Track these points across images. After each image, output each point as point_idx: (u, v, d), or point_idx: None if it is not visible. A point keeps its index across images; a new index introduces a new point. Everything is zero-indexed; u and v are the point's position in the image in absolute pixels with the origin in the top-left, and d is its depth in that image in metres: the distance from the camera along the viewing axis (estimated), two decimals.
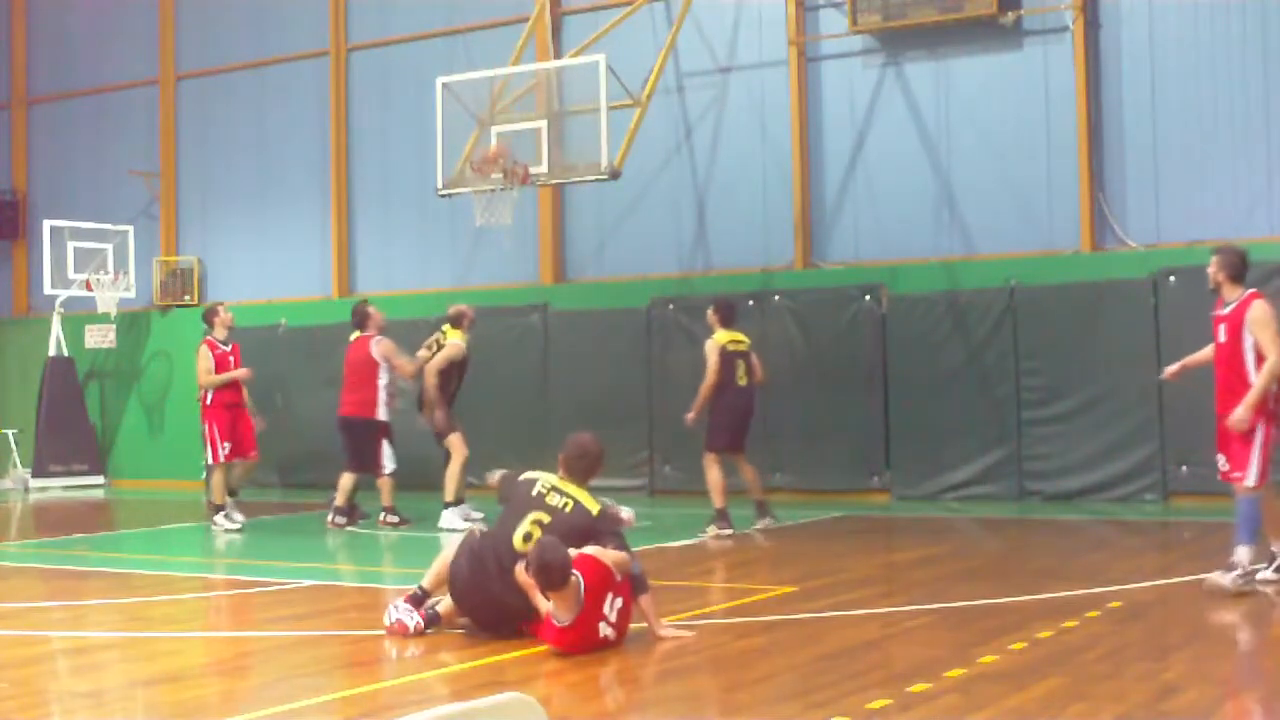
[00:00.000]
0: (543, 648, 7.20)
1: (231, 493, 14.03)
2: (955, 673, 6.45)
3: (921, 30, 15.92)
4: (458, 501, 13.67)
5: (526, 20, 17.01)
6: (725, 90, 17.28)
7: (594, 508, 7.57)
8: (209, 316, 14.17)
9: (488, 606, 7.47)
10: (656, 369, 16.92)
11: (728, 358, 12.66)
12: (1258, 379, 8.49)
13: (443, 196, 15.64)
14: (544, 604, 7.23)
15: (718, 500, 12.61)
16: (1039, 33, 15.65)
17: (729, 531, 12.48)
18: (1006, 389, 15.17)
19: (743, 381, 12.74)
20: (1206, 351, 9.08)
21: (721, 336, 12.76)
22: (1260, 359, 8.53)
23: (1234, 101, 14.78)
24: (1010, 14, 15.42)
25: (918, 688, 6.13)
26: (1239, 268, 8.84)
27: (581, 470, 7.74)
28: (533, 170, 14.53)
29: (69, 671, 7.36)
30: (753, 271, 16.76)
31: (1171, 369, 9.35)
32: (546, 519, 7.46)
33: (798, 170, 16.71)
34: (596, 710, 6.33)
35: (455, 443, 13.84)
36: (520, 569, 7.35)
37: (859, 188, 16.54)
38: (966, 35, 15.84)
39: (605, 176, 14.42)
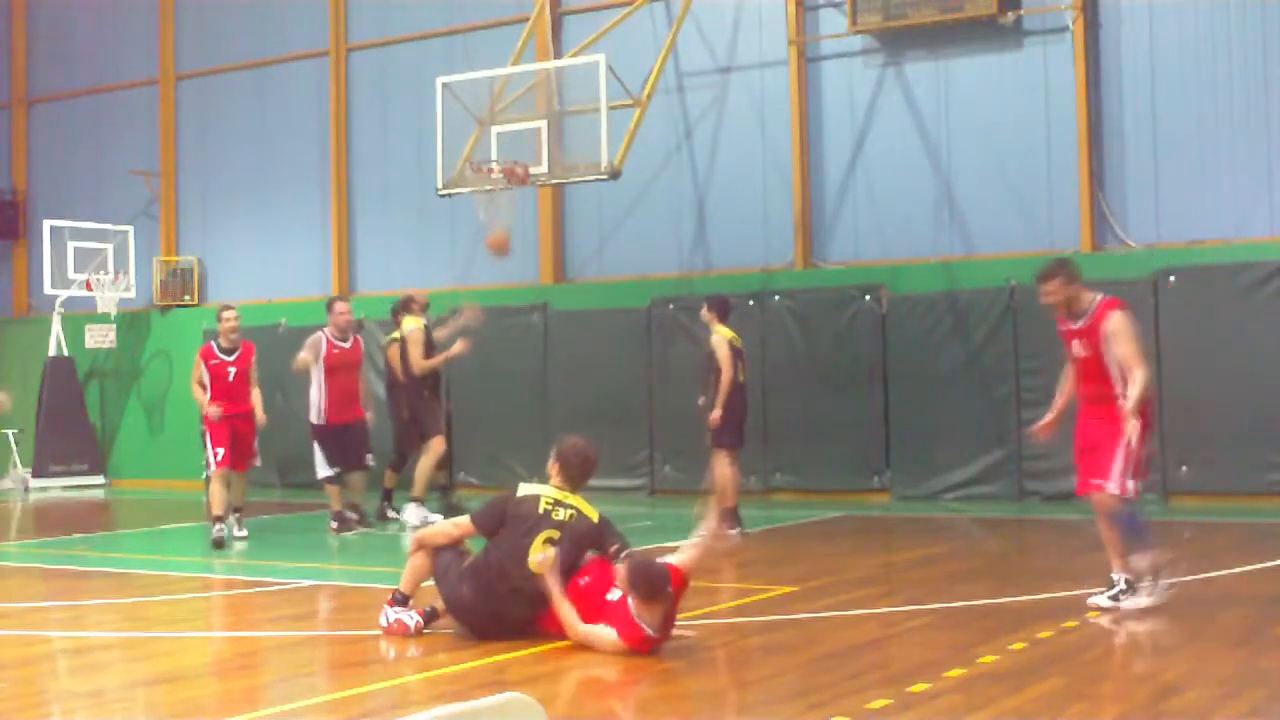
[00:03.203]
0: (542, 647, 7.21)
1: (236, 509, 12.97)
2: (955, 673, 6.45)
3: (921, 30, 15.92)
4: (422, 500, 13.83)
5: (526, 20, 17.02)
6: (725, 90, 17.28)
7: (593, 515, 7.60)
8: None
9: (496, 624, 7.45)
10: (656, 369, 16.92)
11: (735, 353, 12.68)
12: (1132, 394, 7.86)
13: (443, 196, 15.66)
14: (569, 612, 7.24)
15: (729, 499, 12.63)
16: (1039, 33, 15.66)
17: (734, 531, 12.50)
18: (1006, 389, 15.17)
19: (741, 378, 12.75)
20: (1069, 379, 8.43)
21: (725, 332, 12.76)
22: (1125, 371, 7.96)
23: (1234, 102, 14.79)
24: (1010, 14, 15.42)
25: (918, 688, 6.13)
26: (1078, 273, 8.26)
27: (581, 477, 7.73)
28: (533, 170, 14.54)
29: (69, 671, 7.36)
30: (753, 271, 16.77)
31: (1045, 423, 8.43)
32: (557, 535, 7.44)
33: (798, 170, 16.72)
34: (597, 710, 6.33)
35: (436, 445, 13.89)
36: (553, 582, 7.33)
37: (859, 188, 16.55)
38: (966, 35, 15.85)
39: (605, 176, 14.44)
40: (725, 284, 16.26)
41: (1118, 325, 8.07)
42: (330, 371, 13.39)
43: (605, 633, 7.13)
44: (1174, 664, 6.63)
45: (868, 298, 15.90)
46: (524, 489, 7.66)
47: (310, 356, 13.41)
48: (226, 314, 13.05)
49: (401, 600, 7.73)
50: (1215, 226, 14.80)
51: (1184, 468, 14.38)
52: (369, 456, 13.63)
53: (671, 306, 16.94)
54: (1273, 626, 7.67)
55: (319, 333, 13.53)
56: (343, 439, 13.44)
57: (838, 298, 16.09)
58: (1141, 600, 7.92)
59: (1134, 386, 7.90)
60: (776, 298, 16.38)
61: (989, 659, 6.80)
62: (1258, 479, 14.12)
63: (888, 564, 11.34)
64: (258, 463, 13.29)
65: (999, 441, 15.21)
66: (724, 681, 6.77)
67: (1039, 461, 15.06)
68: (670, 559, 7.24)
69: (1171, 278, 14.60)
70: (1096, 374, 8.12)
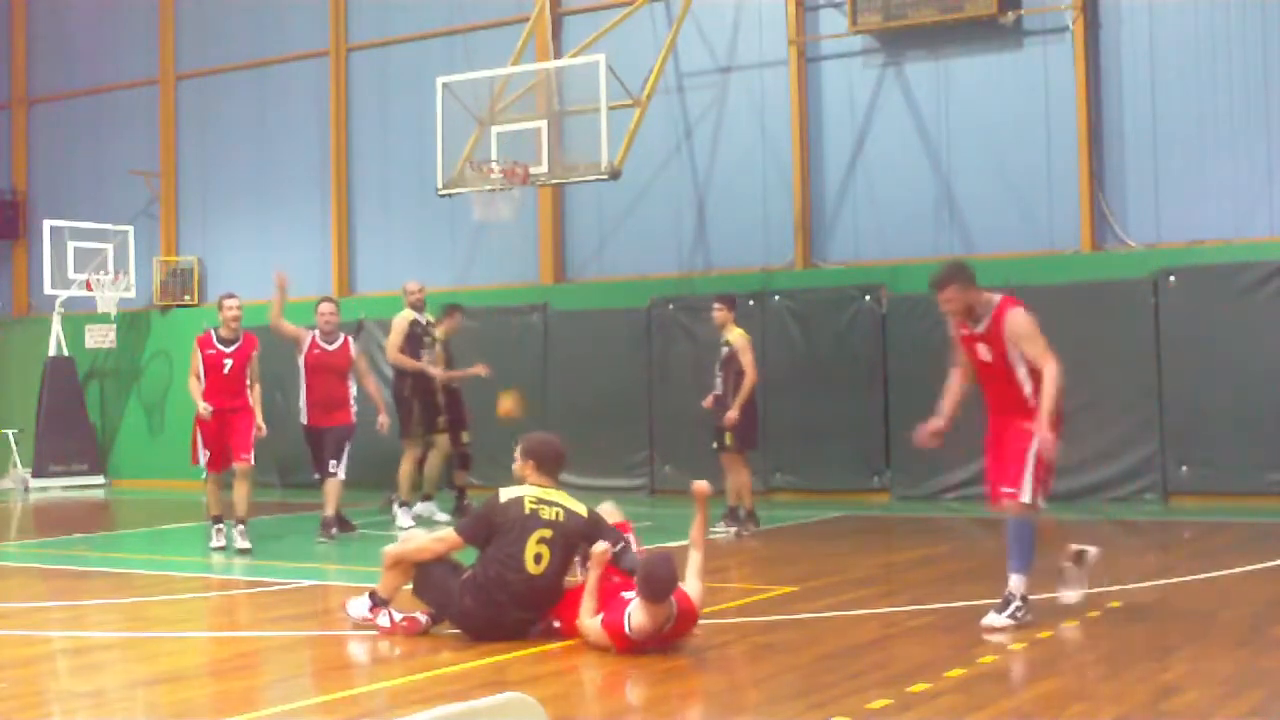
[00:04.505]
0: (542, 647, 7.22)
1: (239, 521, 12.05)
2: (955, 673, 6.45)
3: (921, 30, 15.92)
4: (405, 502, 13.80)
5: (526, 20, 17.03)
6: (725, 90, 17.29)
7: (581, 510, 7.58)
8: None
9: (498, 630, 7.43)
10: (656, 369, 16.92)
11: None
12: (1045, 396, 7.48)
13: (443, 196, 15.66)
14: (588, 605, 7.22)
15: (748, 500, 12.69)
16: (1039, 33, 15.66)
17: (755, 527, 12.60)
18: None
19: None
20: (955, 384, 8.08)
21: (744, 333, 12.75)
22: (1033, 370, 7.58)
23: (1234, 102, 14.79)
24: (1010, 14, 15.43)
25: (918, 688, 6.13)
26: (974, 276, 7.87)
27: (557, 468, 7.72)
28: (533, 170, 14.55)
29: (69, 671, 7.36)
30: (753, 271, 16.77)
31: (933, 429, 8.04)
32: (549, 534, 7.41)
33: (798, 170, 16.72)
34: (596, 710, 6.33)
35: (408, 446, 13.88)
36: (595, 575, 7.29)
37: (859, 188, 16.55)
38: (966, 35, 15.85)
39: (605, 176, 14.45)
40: (725, 284, 16.26)
41: (1021, 324, 7.65)
42: (310, 371, 12.97)
43: (594, 621, 7.16)
44: (1174, 664, 6.62)
45: (868, 298, 15.90)
46: (505, 494, 7.57)
47: (294, 335, 12.99)
48: (229, 302, 12.34)
49: (382, 603, 7.74)
50: (1215, 226, 14.80)
51: (1184, 468, 14.37)
52: (333, 464, 12.70)
53: (671, 306, 16.94)
54: (1273, 626, 7.67)
55: (312, 331, 13.14)
56: (319, 443, 12.87)
57: (838, 298, 16.08)
58: (1003, 620, 7.45)
59: (1046, 388, 7.49)
60: (776, 298, 16.38)
61: (989, 659, 6.80)
62: (1258, 479, 14.12)
63: (888, 564, 11.33)
64: (250, 460, 12.08)
65: None
66: (724, 681, 6.76)
67: None
68: (683, 586, 7.20)
69: (1171, 278, 14.59)
70: (1003, 377, 7.73)
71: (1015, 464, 7.63)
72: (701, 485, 7.65)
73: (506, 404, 14.04)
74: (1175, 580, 9.35)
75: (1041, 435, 7.49)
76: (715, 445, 12.79)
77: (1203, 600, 8.55)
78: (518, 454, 7.74)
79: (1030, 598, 7.61)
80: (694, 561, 7.46)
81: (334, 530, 12.73)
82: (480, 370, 14.25)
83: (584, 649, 7.19)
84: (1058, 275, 15.17)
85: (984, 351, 7.82)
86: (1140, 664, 6.62)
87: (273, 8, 20.72)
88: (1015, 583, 7.56)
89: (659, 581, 6.95)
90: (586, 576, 7.39)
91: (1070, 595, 7.99)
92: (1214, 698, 5.91)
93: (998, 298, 7.83)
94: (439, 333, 14.30)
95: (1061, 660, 6.73)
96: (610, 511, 8.01)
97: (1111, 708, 5.79)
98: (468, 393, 14.71)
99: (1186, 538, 12.35)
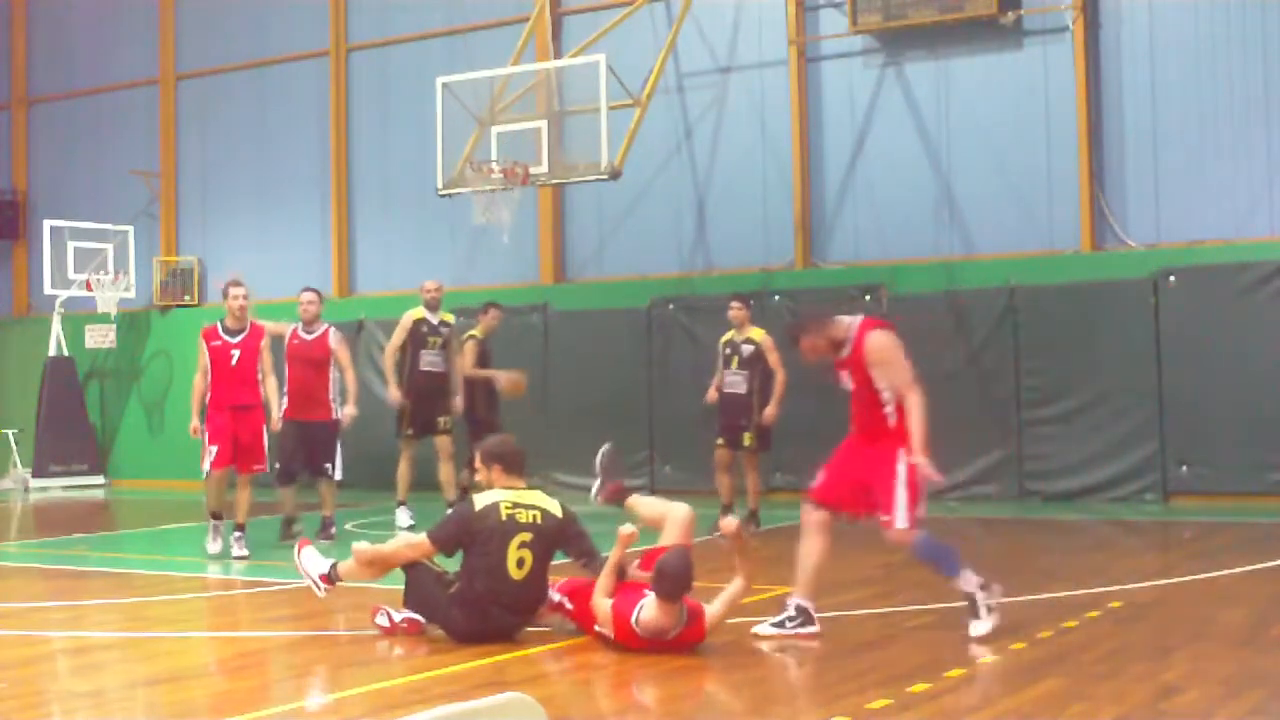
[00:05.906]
0: (542, 648, 7.21)
1: (238, 527, 11.50)
2: (955, 673, 6.45)
3: (921, 30, 15.92)
4: (403, 502, 13.78)
5: (526, 20, 17.03)
6: (725, 90, 17.29)
7: (557, 510, 7.51)
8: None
9: (491, 636, 7.39)
10: (656, 369, 16.92)
11: None
12: (913, 424, 7.46)
13: (443, 196, 15.66)
14: (604, 584, 7.19)
15: (754, 501, 12.72)
16: (1039, 33, 15.66)
17: (756, 529, 12.63)
18: (1006, 389, 15.17)
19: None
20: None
21: (764, 330, 12.74)
22: (897, 395, 7.52)
23: (1234, 102, 14.79)
24: (1010, 14, 15.43)
25: (918, 688, 6.13)
26: (823, 315, 7.83)
27: (522, 466, 7.61)
28: (533, 170, 14.55)
29: (69, 671, 7.35)
30: (753, 271, 16.77)
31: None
32: (529, 538, 7.34)
33: (798, 170, 16.72)
34: (596, 710, 6.33)
35: (402, 446, 13.84)
36: (616, 554, 7.25)
37: (859, 188, 16.55)
38: (966, 35, 15.85)
39: (605, 176, 14.45)
40: (725, 284, 16.25)
41: (879, 350, 7.51)
42: (289, 361, 12.51)
43: (606, 603, 7.13)
44: (1174, 664, 6.62)
45: (868, 298, 15.89)
46: (479, 501, 7.45)
47: (275, 331, 12.59)
48: (234, 290, 11.58)
49: (335, 579, 7.88)
50: (1215, 226, 14.80)
51: (1184, 468, 14.38)
52: (328, 466, 12.42)
53: (671, 306, 16.94)
54: (1273, 626, 7.67)
55: (295, 324, 12.77)
56: (299, 440, 12.46)
57: (837, 298, 16.05)
58: (984, 621, 7.25)
59: (913, 418, 7.43)
60: (776, 298, 16.37)
61: (989, 659, 6.80)
62: (1258, 479, 14.13)
63: (888, 564, 11.31)
64: (264, 468, 11.67)
65: (999, 441, 15.20)
66: (724, 682, 6.76)
67: (1039, 461, 15.07)
68: (709, 607, 7.16)
69: (1171, 278, 14.60)
70: (868, 403, 7.60)
71: (885, 493, 7.54)
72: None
73: (513, 378, 14.03)
74: (1175, 580, 9.35)
75: (915, 460, 7.44)
76: (722, 441, 12.77)
77: (1203, 600, 8.54)
78: (479, 463, 7.63)
79: (994, 587, 7.45)
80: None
81: (332, 530, 12.67)
82: (502, 379, 14.03)
83: (584, 648, 7.19)
84: (1058, 275, 15.17)
85: (846, 379, 7.69)
86: (1140, 664, 6.62)
87: (273, 8, 20.73)
88: (965, 583, 7.39)
89: (670, 578, 6.91)
90: (612, 557, 7.35)
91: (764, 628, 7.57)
92: (1214, 698, 5.90)
93: (858, 321, 7.63)
94: (478, 330, 14.25)
95: (1061, 660, 6.73)
96: (679, 521, 7.80)
97: (1111, 708, 5.78)
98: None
99: (1186, 538, 12.35)
